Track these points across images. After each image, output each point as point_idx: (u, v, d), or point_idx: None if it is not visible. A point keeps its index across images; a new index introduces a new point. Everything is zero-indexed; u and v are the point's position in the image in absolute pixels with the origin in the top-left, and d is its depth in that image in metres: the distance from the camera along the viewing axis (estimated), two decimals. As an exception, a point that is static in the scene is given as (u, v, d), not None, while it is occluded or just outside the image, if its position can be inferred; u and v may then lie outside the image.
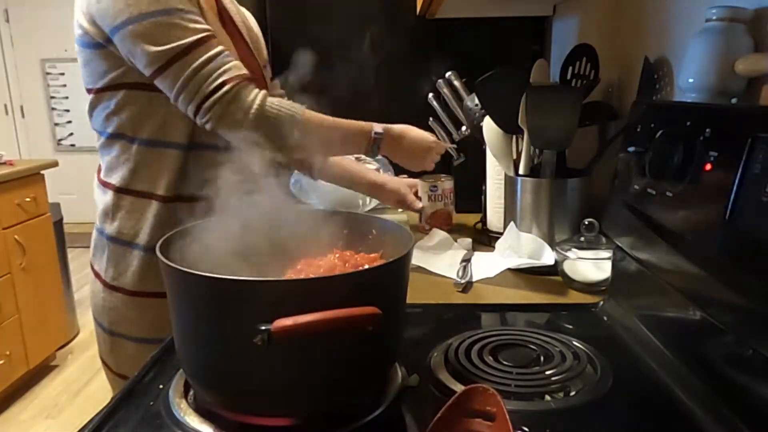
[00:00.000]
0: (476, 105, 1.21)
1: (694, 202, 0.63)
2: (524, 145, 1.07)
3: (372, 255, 0.65)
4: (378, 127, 1.04)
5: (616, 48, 1.15)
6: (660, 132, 0.68)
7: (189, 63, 0.87)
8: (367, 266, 0.62)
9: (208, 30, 0.90)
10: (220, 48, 0.90)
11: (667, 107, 0.80)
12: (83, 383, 2.56)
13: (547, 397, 0.61)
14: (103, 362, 1.06)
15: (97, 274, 1.01)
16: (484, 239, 1.21)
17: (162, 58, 0.86)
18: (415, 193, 1.34)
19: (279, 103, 0.93)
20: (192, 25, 0.88)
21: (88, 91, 0.97)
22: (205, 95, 0.88)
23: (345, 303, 0.48)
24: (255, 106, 0.90)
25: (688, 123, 0.66)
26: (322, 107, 1.27)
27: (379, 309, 0.48)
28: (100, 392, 2.46)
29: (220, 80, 0.88)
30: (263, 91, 0.92)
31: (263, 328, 0.46)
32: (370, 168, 1.52)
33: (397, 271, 0.57)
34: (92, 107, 0.98)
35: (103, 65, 0.93)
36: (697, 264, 0.63)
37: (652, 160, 0.69)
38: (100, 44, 0.91)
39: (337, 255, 0.66)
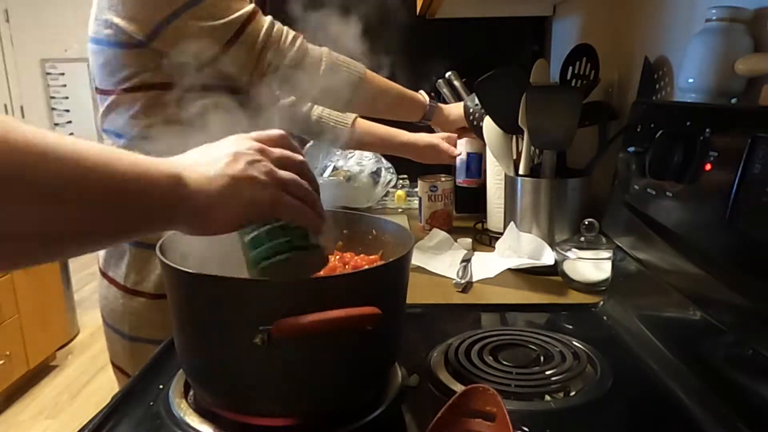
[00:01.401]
0: (476, 105, 1.21)
1: (694, 202, 0.63)
2: (524, 145, 1.07)
3: (372, 257, 0.65)
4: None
5: (616, 48, 1.15)
6: (660, 132, 0.68)
7: (259, 27, 0.92)
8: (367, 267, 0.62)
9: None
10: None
11: (667, 107, 0.80)
12: (83, 383, 2.56)
13: (547, 397, 0.61)
14: (119, 369, 1.04)
15: (112, 281, 0.99)
16: (484, 239, 1.21)
17: (231, 28, 0.90)
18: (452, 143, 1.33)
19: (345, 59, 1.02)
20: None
21: (107, 92, 0.94)
22: (286, 47, 0.95)
23: (345, 303, 0.48)
24: (324, 55, 0.99)
25: (688, 123, 0.66)
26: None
27: (379, 309, 0.48)
28: (100, 392, 2.46)
29: (291, 35, 0.96)
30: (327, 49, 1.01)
31: (263, 328, 0.46)
32: (371, 160, 1.52)
33: (397, 271, 0.57)
34: (111, 108, 0.94)
35: (134, 65, 0.90)
36: (697, 264, 0.63)
37: (652, 160, 0.69)
38: (137, 43, 0.88)
39: (337, 257, 0.66)
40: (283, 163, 0.49)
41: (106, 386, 2.51)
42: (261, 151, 0.48)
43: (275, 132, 0.52)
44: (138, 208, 0.42)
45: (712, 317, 0.60)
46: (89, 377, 2.60)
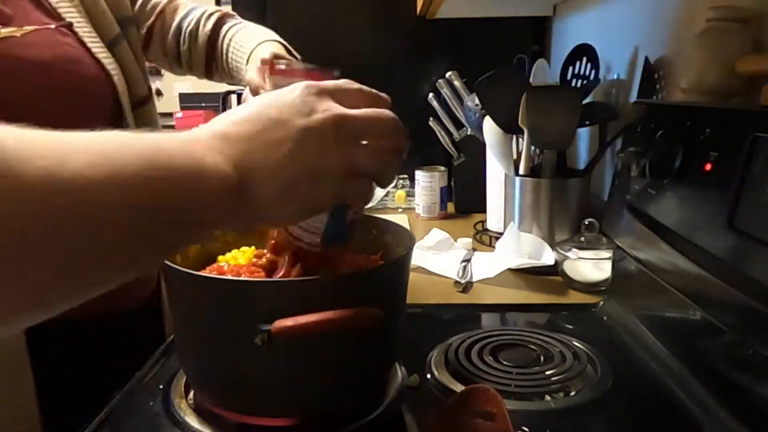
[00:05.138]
0: (476, 105, 1.21)
1: (694, 202, 0.63)
2: (524, 145, 1.07)
3: (373, 257, 0.65)
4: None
5: (616, 48, 1.15)
6: (660, 132, 0.68)
7: None
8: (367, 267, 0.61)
9: None
10: None
11: (667, 107, 0.80)
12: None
13: (547, 397, 0.61)
14: None
15: None
16: (485, 239, 1.21)
17: None
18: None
19: None
20: None
21: None
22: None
23: (345, 303, 0.47)
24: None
25: (688, 123, 0.66)
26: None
27: (380, 309, 0.48)
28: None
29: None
30: None
31: (263, 328, 0.46)
32: None
33: (397, 271, 0.57)
34: None
35: None
36: (697, 264, 0.63)
37: (652, 160, 0.69)
38: None
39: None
40: (366, 128, 0.39)
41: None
42: (337, 125, 0.38)
43: (353, 86, 0.42)
44: (189, 213, 0.33)
45: (712, 317, 0.60)
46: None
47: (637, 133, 0.79)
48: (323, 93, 0.39)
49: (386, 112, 0.41)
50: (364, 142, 0.40)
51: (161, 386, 0.62)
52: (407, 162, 1.38)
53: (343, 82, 0.42)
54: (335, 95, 0.40)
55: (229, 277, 0.52)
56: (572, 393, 0.61)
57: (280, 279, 0.53)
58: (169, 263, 0.52)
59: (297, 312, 0.46)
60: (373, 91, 0.43)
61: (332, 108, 0.39)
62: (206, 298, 0.52)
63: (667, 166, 0.65)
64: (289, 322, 0.45)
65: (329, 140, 0.38)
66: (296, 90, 0.39)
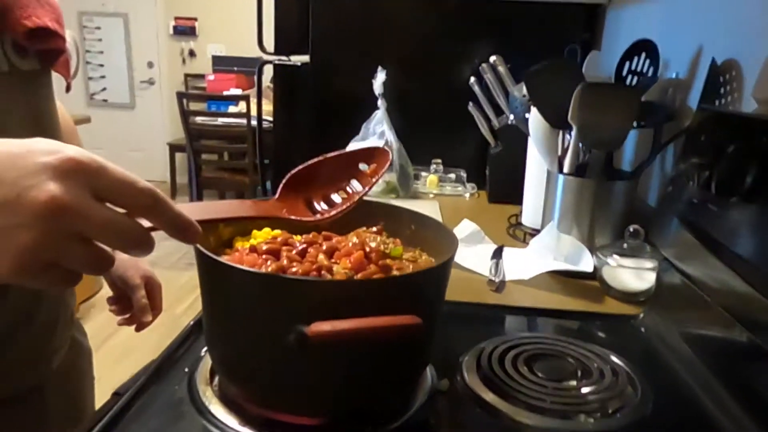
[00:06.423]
0: (524, 95, 1.16)
1: (760, 224, 0.59)
2: (571, 142, 1.02)
3: (411, 253, 0.62)
4: None
5: (676, 44, 1.08)
6: (732, 146, 0.63)
7: None
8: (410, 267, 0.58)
9: None
10: None
11: (739, 118, 0.74)
12: (103, 339, 2.61)
13: (583, 417, 0.58)
14: None
15: None
16: (518, 234, 1.17)
17: None
18: None
19: None
20: None
21: None
22: None
23: (382, 307, 0.45)
24: None
25: (765, 138, 0.61)
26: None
27: (419, 313, 0.46)
28: (119, 348, 2.51)
29: None
30: None
31: (300, 329, 0.44)
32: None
33: (438, 276, 0.55)
34: None
35: None
36: (752, 286, 0.59)
37: (719, 174, 0.64)
38: None
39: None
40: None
41: (126, 343, 2.56)
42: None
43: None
44: None
45: (761, 341, 0.56)
46: (109, 332, 2.64)
47: (700, 142, 0.74)
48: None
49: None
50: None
51: (186, 369, 0.61)
52: (440, 146, 1.32)
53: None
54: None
55: (265, 273, 0.49)
56: (610, 413, 0.58)
57: (322, 279, 0.51)
58: (206, 252, 0.50)
59: (336, 311, 0.44)
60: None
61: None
62: (244, 292, 0.50)
63: (736, 184, 0.61)
64: (326, 326, 0.43)
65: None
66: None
